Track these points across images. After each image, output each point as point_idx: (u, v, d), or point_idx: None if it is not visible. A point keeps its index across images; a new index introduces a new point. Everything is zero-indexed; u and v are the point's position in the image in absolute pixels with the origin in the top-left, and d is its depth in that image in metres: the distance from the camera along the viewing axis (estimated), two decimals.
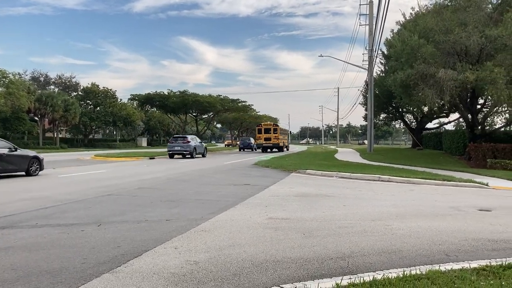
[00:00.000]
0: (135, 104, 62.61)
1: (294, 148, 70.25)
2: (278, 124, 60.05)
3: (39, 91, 57.80)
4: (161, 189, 11.85)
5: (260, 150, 47.09)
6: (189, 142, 30.70)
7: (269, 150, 46.63)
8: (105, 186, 12.24)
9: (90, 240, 5.80)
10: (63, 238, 5.92)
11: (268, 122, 53.37)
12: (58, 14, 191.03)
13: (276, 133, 45.67)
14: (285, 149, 49.94)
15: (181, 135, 33.90)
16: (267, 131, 45.98)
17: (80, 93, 70.09)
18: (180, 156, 31.27)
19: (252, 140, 52.93)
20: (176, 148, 30.79)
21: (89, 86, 67.97)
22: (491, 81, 19.04)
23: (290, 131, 71.81)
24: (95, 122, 65.37)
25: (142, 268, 4.61)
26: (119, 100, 70.61)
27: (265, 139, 45.78)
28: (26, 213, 7.80)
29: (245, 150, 51.98)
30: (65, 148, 55.26)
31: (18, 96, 46.11)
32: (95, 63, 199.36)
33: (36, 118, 56.22)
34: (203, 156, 33.21)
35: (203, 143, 35.03)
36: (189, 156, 30.45)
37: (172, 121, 71.81)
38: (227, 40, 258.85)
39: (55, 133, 60.20)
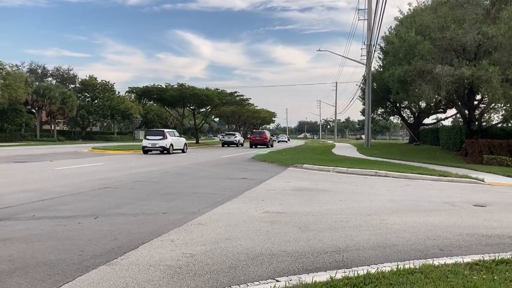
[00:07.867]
0: (132, 97, 62.39)
1: (292, 143, 70.43)
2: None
3: (37, 83, 57.54)
4: (158, 182, 11.88)
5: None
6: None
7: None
8: (102, 179, 12.25)
9: (86, 232, 5.83)
10: (60, 230, 5.94)
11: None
12: (52, 7, 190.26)
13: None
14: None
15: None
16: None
17: (78, 85, 69.76)
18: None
19: None
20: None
21: (87, 78, 67.68)
22: (486, 80, 19.06)
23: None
24: (92, 115, 65.13)
25: (139, 261, 4.64)
26: (117, 93, 70.41)
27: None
28: (23, 205, 7.82)
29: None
30: (63, 140, 55.14)
31: (15, 87, 45.85)
32: (90, 55, 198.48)
33: (34, 110, 56.03)
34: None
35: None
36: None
37: (170, 115, 71.65)
38: (222, 33, 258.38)
39: (52, 126, 60.00)
